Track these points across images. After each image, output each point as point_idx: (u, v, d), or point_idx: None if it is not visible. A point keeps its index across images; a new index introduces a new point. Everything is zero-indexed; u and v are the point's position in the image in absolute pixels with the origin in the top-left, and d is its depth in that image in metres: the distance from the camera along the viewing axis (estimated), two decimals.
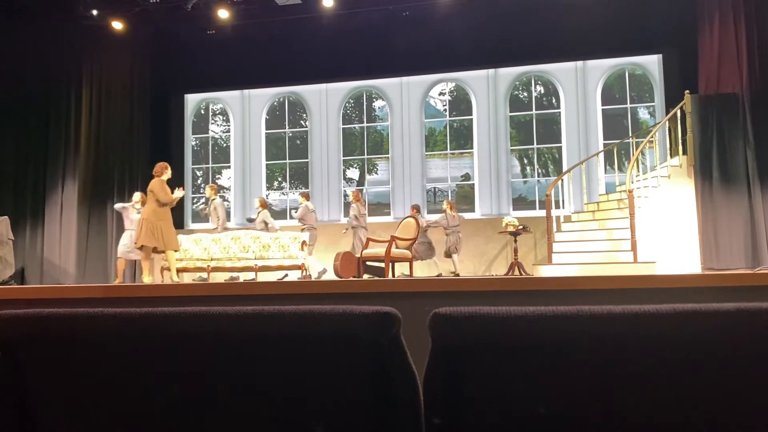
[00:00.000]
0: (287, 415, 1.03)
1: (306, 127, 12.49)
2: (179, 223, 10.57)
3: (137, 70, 11.34)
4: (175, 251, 8.00)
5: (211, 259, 9.37)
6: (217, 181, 12.71)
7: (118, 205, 9.54)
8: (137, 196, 9.50)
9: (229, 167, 12.67)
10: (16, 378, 1.10)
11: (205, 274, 9.39)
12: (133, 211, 9.29)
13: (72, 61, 10.61)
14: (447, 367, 0.97)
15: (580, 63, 11.40)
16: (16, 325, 1.08)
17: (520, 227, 9.40)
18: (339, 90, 12.29)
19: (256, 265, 9.19)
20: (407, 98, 12.07)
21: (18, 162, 10.34)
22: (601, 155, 10.12)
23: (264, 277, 9.40)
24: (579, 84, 11.45)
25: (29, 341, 1.10)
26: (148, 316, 1.03)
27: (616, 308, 0.90)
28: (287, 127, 12.61)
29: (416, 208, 10.45)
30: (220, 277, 9.79)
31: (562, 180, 9.52)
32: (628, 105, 11.37)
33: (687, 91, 8.67)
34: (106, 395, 1.08)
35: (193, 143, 12.81)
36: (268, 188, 12.52)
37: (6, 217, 9.20)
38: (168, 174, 7.72)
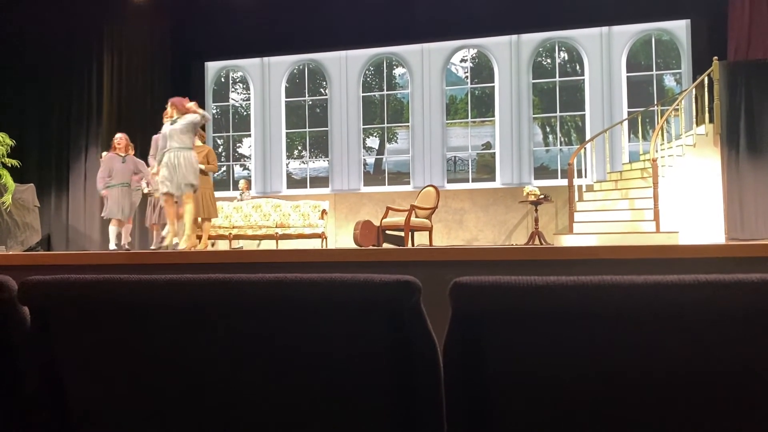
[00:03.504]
0: (308, 382, 1.04)
1: (326, 95, 12.43)
2: None
3: (157, 38, 11.31)
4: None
5: (233, 227, 9.45)
6: (237, 149, 12.77)
7: None
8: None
9: (249, 135, 12.70)
10: (45, 342, 1.13)
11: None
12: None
13: (93, 28, 10.60)
14: (467, 335, 0.98)
15: (605, 29, 11.13)
16: (44, 290, 1.11)
17: (542, 196, 9.33)
18: (359, 57, 12.18)
19: (276, 233, 9.26)
20: (428, 65, 11.93)
21: (42, 130, 10.43)
22: (625, 123, 9.94)
23: (285, 245, 9.48)
24: (604, 50, 11.21)
25: (57, 306, 1.12)
26: (171, 282, 1.04)
27: (637, 278, 0.90)
28: (307, 95, 12.56)
29: (248, 184, 11.41)
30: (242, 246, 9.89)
31: (585, 149, 9.38)
32: (654, 72, 11.12)
33: (715, 57, 8.45)
34: (130, 359, 1.11)
35: (214, 111, 12.83)
36: (288, 157, 12.54)
37: (32, 184, 9.34)
38: None
